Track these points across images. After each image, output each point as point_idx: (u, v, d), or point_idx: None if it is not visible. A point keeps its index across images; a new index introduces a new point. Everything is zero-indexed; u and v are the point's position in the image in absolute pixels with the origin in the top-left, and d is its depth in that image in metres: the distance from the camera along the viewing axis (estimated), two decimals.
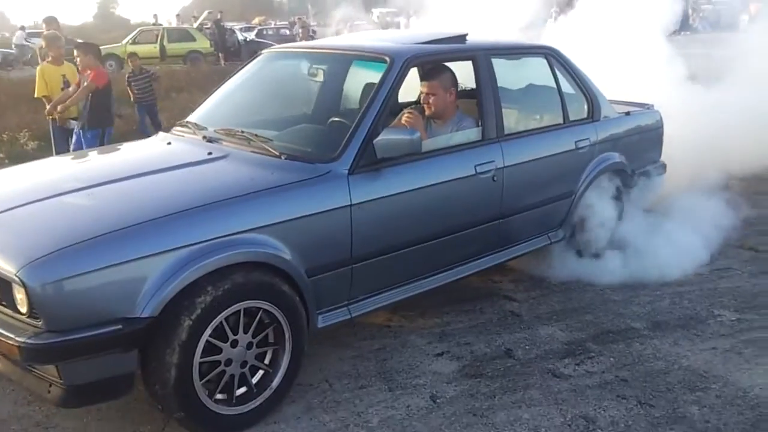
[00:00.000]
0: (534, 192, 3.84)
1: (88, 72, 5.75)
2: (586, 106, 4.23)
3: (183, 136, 3.52)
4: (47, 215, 2.65)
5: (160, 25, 26.05)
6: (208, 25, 23.76)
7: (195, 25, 24.91)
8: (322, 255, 2.86)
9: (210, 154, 3.15)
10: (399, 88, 3.25)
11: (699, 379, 3.08)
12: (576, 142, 4.05)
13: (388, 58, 3.27)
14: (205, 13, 27.57)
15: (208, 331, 2.50)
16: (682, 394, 2.97)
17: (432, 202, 3.27)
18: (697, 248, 4.36)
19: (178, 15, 32.08)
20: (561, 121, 4.06)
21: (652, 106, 4.86)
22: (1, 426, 2.72)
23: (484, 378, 3.12)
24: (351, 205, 2.90)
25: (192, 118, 3.67)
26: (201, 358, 2.50)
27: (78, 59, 5.82)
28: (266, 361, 2.76)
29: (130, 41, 21.01)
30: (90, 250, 2.33)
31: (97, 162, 3.55)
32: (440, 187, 3.29)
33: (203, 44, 21.47)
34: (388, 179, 3.06)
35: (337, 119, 3.41)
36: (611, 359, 3.29)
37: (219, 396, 2.62)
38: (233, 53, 22.00)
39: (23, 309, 2.30)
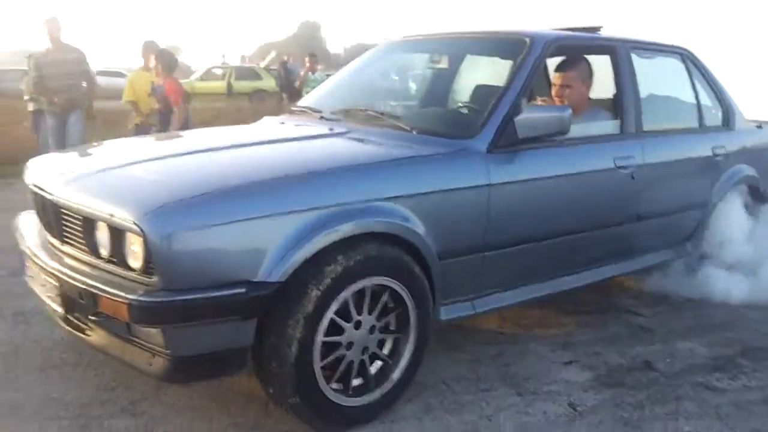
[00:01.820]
0: (670, 195, 3.46)
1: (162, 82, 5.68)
2: (720, 114, 3.90)
3: (295, 117, 3.26)
4: (170, 169, 2.40)
5: (228, 64, 26.40)
6: (275, 66, 24.08)
7: (262, 65, 25.24)
8: (454, 237, 2.52)
9: (331, 129, 2.88)
10: (538, 72, 2.94)
11: None
12: (713, 148, 3.69)
13: (528, 39, 2.96)
14: (273, 54, 27.91)
15: (335, 305, 2.17)
16: None
17: (570, 192, 2.93)
18: None
19: (243, 56, 32.57)
20: (697, 125, 3.73)
21: None
22: (82, 410, 2.40)
23: (626, 388, 2.68)
24: (490, 185, 2.57)
25: (303, 102, 3.43)
26: (324, 337, 2.17)
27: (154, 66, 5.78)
28: (386, 351, 2.41)
29: (198, 78, 21.39)
30: (219, 203, 2.04)
31: (216, 134, 3.27)
32: (579, 177, 2.97)
33: (269, 83, 21.60)
34: (527, 163, 2.73)
35: (469, 103, 3.14)
36: None
37: (335, 385, 2.27)
38: (296, 93, 22.17)
39: (137, 264, 1.99)
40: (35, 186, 2.46)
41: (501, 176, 2.62)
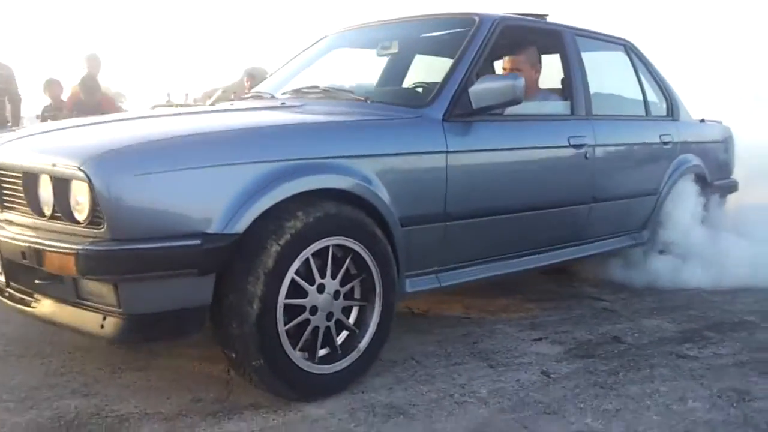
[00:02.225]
0: (624, 179, 3.53)
1: None
2: (665, 105, 3.99)
3: (244, 102, 3.18)
4: (118, 127, 2.31)
5: (173, 102, 25.92)
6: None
7: (208, 102, 24.89)
8: (415, 203, 2.48)
9: (283, 104, 2.83)
10: (487, 49, 2.91)
11: None
12: (660, 135, 3.76)
13: (477, 18, 2.97)
14: (219, 91, 27.66)
15: (296, 264, 2.06)
16: None
17: (527, 165, 2.96)
18: None
19: (187, 94, 32.15)
20: (643, 113, 3.82)
21: (721, 122, 4.64)
22: (29, 393, 2.21)
23: (598, 358, 2.63)
24: (447, 152, 2.55)
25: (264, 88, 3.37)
26: (285, 299, 2.06)
27: None
28: (351, 321, 2.31)
29: None
30: (170, 149, 1.95)
31: (163, 110, 3.19)
32: (535, 152, 3.00)
33: None
34: (482, 134, 2.73)
35: (422, 82, 3.12)
36: (738, 344, 2.81)
37: (299, 353, 2.15)
38: None
39: (82, 216, 1.85)
40: None
41: (457, 144, 2.60)
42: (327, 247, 2.16)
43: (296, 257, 2.06)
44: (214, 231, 1.92)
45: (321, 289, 2.16)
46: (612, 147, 3.39)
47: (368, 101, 2.73)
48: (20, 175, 2.03)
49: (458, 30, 3.02)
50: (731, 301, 3.49)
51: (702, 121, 4.35)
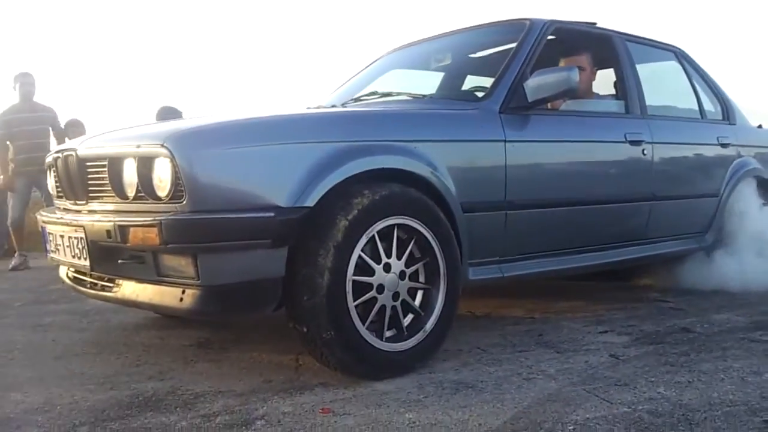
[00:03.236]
0: (682, 178, 3.56)
1: None
2: (720, 109, 3.99)
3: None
4: (205, 117, 2.46)
5: None
6: None
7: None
8: (476, 190, 2.56)
9: (344, 106, 3.00)
10: (539, 49, 2.98)
11: None
12: (718, 137, 3.77)
13: (527, 22, 3.09)
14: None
15: (363, 239, 2.13)
16: None
17: (584, 158, 3.03)
18: None
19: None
20: (699, 116, 3.82)
21: None
22: (107, 378, 2.30)
23: (668, 344, 2.58)
24: (505, 141, 2.65)
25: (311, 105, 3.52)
26: (354, 275, 2.12)
27: None
28: (416, 303, 2.34)
29: None
30: (245, 128, 2.12)
31: None
32: (591, 145, 3.07)
33: None
34: (539, 126, 2.82)
35: (477, 86, 3.23)
36: None
37: (368, 330, 2.18)
38: None
39: (165, 191, 1.98)
40: (57, 153, 2.49)
41: (515, 134, 2.69)
42: (392, 228, 2.23)
43: (363, 233, 2.13)
44: (286, 204, 2.02)
45: (387, 268, 2.22)
46: (669, 145, 3.40)
47: (427, 98, 2.87)
48: (105, 162, 2.18)
49: (511, 35, 3.13)
50: None
51: (760, 126, 4.30)
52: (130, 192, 2.10)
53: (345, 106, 3.06)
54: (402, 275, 2.26)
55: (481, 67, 3.43)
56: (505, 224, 2.66)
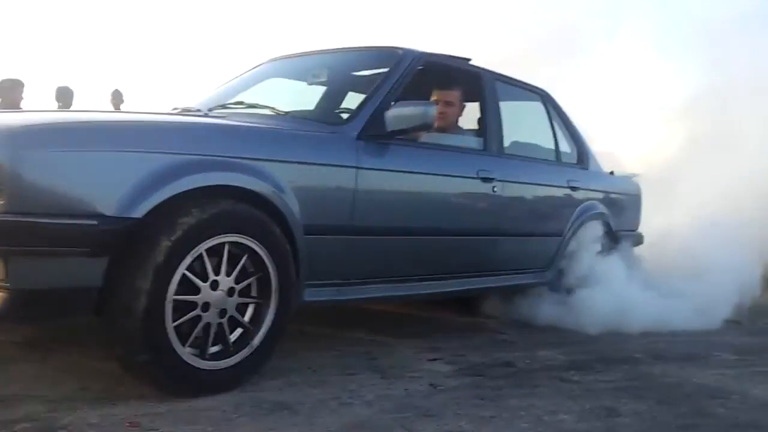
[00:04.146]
0: (529, 216, 3.75)
1: None
2: (576, 153, 4.25)
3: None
4: (45, 113, 2.44)
5: None
6: None
7: None
8: (321, 213, 2.60)
9: (206, 115, 2.95)
10: (407, 78, 3.10)
11: (716, 391, 2.76)
12: (568, 181, 4.03)
13: (400, 51, 3.21)
14: None
15: (188, 260, 2.11)
16: (704, 399, 2.65)
17: (435, 191, 3.15)
18: (684, 310, 4.22)
19: None
20: (554, 159, 4.08)
21: (633, 176, 4.95)
22: None
23: (486, 377, 2.75)
24: (357, 167, 2.71)
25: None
26: (176, 294, 2.10)
27: None
28: (246, 318, 2.36)
29: None
30: (78, 131, 2.07)
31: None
32: (444, 180, 3.19)
33: None
34: (395, 156, 2.91)
35: (347, 108, 3.29)
36: (619, 374, 2.97)
37: (189, 350, 2.18)
38: None
39: None
40: None
41: (369, 162, 2.76)
42: (222, 244, 2.23)
43: (188, 253, 2.12)
44: (111, 214, 1.98)
45: (215, 285, 2.22)
46: (519, 185, 3.59)
47: (288, 115, 2.91)
48: None
49: (384, 62, 3.23)
50: (624, 341, 3.68)
51: (611, 173, 4.63)
52: None
53: (209, 113, 3.05)
54: (231, 291, 2.27)
55: (361, 86, 3.49)
56: (349, 248, 2.74)
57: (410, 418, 2.21)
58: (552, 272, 3.99)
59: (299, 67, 3.71)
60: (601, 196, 4.32)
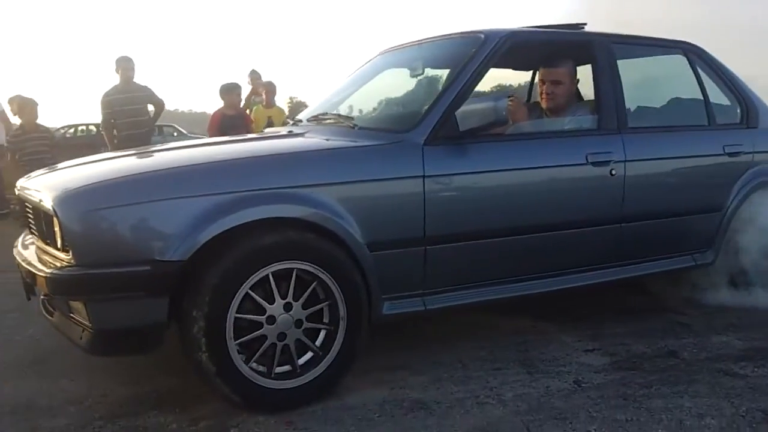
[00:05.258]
0: (667, 196, 3.30)
1: None
2: (739, 111, 3.68)
3: (293, 126, 3.42)
4: (101, 166, 2.68)
5: None
6: None
7: None
8: (388, 228, 2.54)
9: (290, 132, 3.12)
10: (489, 67, 2.91)
11: None
12: (725, 146, 3.48)
13: (482, 35, 2.99)
14: None
15: (248, 284, 2.27)
16: None
17: (526, 187, 2.89)
18: None
19: None
20: (705, 123, 3.55)
21: None
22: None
23: (641, 371, 2.70)
24: (424, 176, 2.59)
25: (301, 114, 3.68)
26: (239, 313, 2.28)
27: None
28: (317, 343, 2.44)
29: None
30: (123, 186, 2.29)
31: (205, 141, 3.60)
32: (536, 172, 2.91)
33: None
34: (474, 156, 2.73)
35: (415, 101, 3.19)
36: None
37: (251, 367, 2.34)
38: None
39: (58, 244, 2.23)
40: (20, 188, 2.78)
41: (439, 168, 2.63)
42: (291, 270, 2.33)
43: (244, 282, 2.27)
44: (161, 258, 2.18)
45: (286, 308, 2.36)
46: (647, 162, 3.21)
47: (356, 128, 2.87)
48: (31, 207, 2.55)
49: (464, 49, 3.02)
50: None
51: None
52: (44, 237, 2.41)
53: (299, 128, 3.18)
54: (298, 323, 2.38)
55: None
56: (424, 259, 2.64)
57: (539, 421, 2.29)
58: (714, 251, 3.51)
59: (409, 57, 3.59)
60: None
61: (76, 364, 2.83)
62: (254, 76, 7.28)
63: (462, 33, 3.24)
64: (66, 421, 2.36)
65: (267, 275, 2.31)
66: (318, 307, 2.43)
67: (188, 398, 2.49)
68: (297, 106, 24.89)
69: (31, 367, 2.86)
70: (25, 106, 6.55)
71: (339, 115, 3.14)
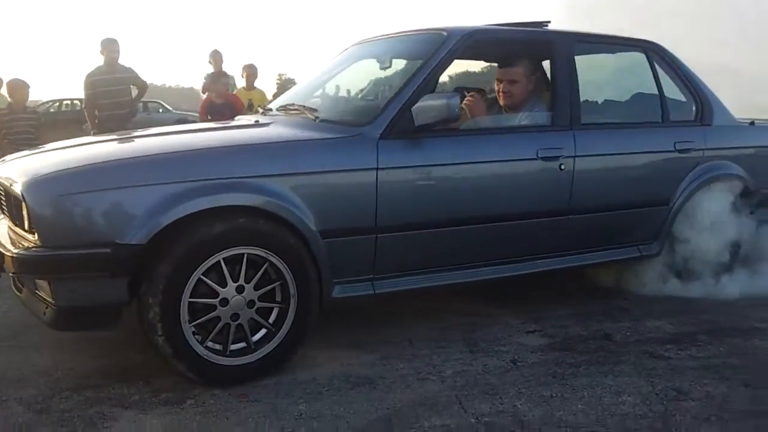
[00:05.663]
0: (615, 190, 3.43)
1: None
2: (693, 108, 3.78)
3: (261, 116, 3.55)
4: (71, 153, 2.80)
5: None
6: None
7: None
8: (342, 217, 2.71)
9: (257, 121, 3.26)
10: (450, 63, 3.07)
11: None
12: (676, 143, 3.60)
13: (445, 33, 3.12)
14: None
15: (200, 270, 2.43)
16: None
17: (476, 180, 3.02)
18: None
19: None
20: (658, 120, 3.66)
21: None
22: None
23: (573, 352, 2.92)
24: (378, 169, 2.74)
25: (273, 103, 3.81)
26: (193, 297, 2.45)
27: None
28: (270, 320, 2.63)
29: None
30: (85, 174, 2.43)
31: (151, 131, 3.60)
32: (487, 166, 3.05)
33: None
34: (429, 150, 2.87)
35: (378, 95, 3.36)
36: (721, 348, 2.96)
37: (206, 346, 2.52)
38: None
39: (26, 226, 2.37)
40: None
41: (393, 161, 2.77)
42: (242, 255, 2.50)
43: (198, 266, 2.43)
44: (122, 242, 2.34)
45: (240, 290, 2.53)
46: (596, 158, 3.33)
47: (317, 120, 3.02)
48: (3, 189, 2.69)
49: (428, 47, 3.14)
50: (758, 308, 3.54)
51: (752, 123, 4.11)
52: (14, 218, 2.56)
53: (266, 118, 3.34)
54: (251, 303, 2.56)
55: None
56: (375, 247, 2.80)
57: (472, 396, 2.50)
58: (659, 243, 3.68)
59: (380, 50, 3.71)
60: (732, 153, 3.81)
61: (46, 339, 3.01)
62: (216, 57, 7.23)
63: (427, 29, 3.37)
64: (35, 391, 2.53)
65: (219, 261, 2.47)
66: (270, 287, 2.59)
67: (151, 371, 2.67)
68: (285, 83, 24.90)
69: (4, 342, 3.04)
70: (18, 88, 6.68)
71: (304, 107, 3.27)
